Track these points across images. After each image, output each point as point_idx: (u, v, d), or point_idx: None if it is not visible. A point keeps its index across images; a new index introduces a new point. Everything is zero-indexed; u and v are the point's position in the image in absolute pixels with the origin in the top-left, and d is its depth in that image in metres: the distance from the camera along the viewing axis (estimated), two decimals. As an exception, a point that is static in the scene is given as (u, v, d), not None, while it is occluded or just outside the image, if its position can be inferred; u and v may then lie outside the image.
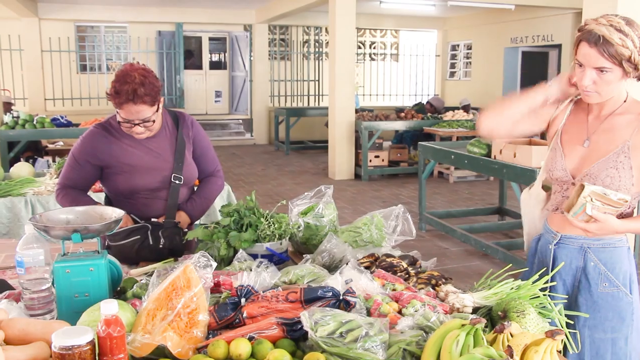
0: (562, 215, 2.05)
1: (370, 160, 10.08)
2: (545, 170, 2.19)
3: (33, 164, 7.00)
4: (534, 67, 14.04)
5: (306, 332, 1.54)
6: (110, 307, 1.27)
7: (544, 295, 1.87)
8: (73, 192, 2.53)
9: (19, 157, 7.84)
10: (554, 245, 2.13)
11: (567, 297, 2.08)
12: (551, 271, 2.10)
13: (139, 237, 2.45)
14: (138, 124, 2.40)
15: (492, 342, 1.53)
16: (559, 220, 2.12)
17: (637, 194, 2.00)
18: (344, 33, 9.97)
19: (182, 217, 2.63)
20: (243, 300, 1.74)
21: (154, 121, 2.44)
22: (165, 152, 2.58)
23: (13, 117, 7.97)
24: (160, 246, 2.46)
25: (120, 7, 13.51)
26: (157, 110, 2.43)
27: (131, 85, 2.31)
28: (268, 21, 14.50)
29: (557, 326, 1.81)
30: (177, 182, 2.57)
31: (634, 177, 1.95)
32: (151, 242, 2.46)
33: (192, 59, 15.64)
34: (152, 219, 2.54)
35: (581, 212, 1.90)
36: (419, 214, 6.83)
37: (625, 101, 1.99)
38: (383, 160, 10.20)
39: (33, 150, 8.25)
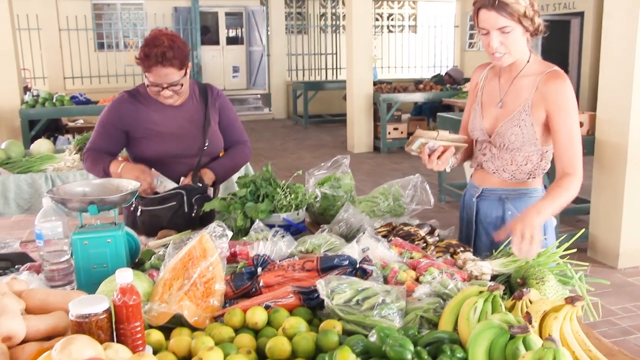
0: (483, 170, 2.27)
1: (389, 133, 10.00)
2: (467, 130, 2.34)
3: (54, 142, 7.08)
4: (555, 37, 13.73)
5: (322, 301, 1.54)
6: (125, 275, 1.27)
7: (563, 262, 1.85)
8: (94, 153, 2.55)
9: (41, 136, 7.91)
10: (476, 198, 2.33)
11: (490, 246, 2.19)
12: (474, 223, 2.33)
13: (175, 203, 2.47)
14: (166, 88, 2.42)
15: (510, 309, 1.51)
16: (481, 175, 2.31)
17: (543, 151, 2.15)
18: (360, 5, 9.82)
19: (207, 174, 2.61)
20: (259, 269, 1.74)
21: (182, 85, 2.46)
22: (192, 119, 2.60)
23: (33, 96, 8.03)
24: (193, 214, 2.48)
25: (136, -17, 13.47)
26: (185, 75, 2.46)
27: (160, 49, 2.35)
28: (285, -6, 14.36)
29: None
30: (204, 148, 2.59)
31: (536, 133, 2.10)
32: (186, 210, 2.48)
33: (209, 35, 15.57)
34: (181, 180, 2.55)
35: (420, 146, 2.10)
36: (438, 185, 6.78)
37: (528, 61, 2.11)
38: (402, 132, 10.11)
39: (54, 129, 8.32)
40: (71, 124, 8.71)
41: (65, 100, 7.78)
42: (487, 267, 1.81)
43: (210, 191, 2.63)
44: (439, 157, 2.10)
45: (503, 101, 2.17)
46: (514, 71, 2.15)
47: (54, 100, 7.79)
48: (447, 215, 6.19)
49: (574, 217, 5.71)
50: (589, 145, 4.93)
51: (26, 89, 8.86)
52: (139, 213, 2.48)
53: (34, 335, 1.41)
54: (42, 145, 4.64)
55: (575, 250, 1.94)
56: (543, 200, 1.99)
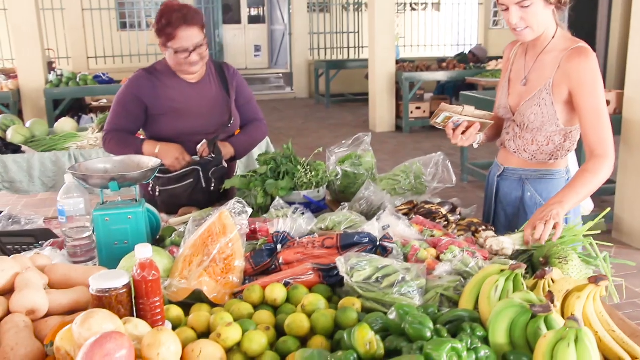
0: (506, 149, 2.23)
1: (412, 112, 9.91)
2: (495, 108, 2.31)
3: (78, 121, 7.15)
4: (583, 11, 13.41)
5: (342, 278, 1.54)
6: (144, 250, 1.28)
7: (587, 240, 1.82)
8: (118, 134, 2.54)
9: (65, 115, 7.99)
10: (498, 177, 2.30)
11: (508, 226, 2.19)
12: (494, 202, 2.31)
13: (192, 180, 2.49)
14: (193, 51, 2.43)
15: (532, 288, 1.49)
16: (504, 154, 2.27)
17: (567, 132, 2.09)
18: (383, -18, 9.69)
19: (226, 148, 2.60)
20: (279, 246, 1.74)
21: (206, 48, 2.49)
22: (210, 97, 2.61)
23: (57, 75, 8.10)
24: (212, 188, 2.49)
25: (157, -38, 13.45)
26: (204, 38, 2.48)
27: (179, 12, 2.40)
28: (306, -28, 14.23)
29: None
30: (229, 124, 2.60)
31: (557, 112, 2.04)
32: (204, 185, 2.49)
33: (231, 14, 15.52)
34: (198, 147, 2.54)
35: (444, 120, 2.08)
36: (461, 165, 6.72)
37: (554, 37, 2.05)
38: (424, 111, 10.00)
39: (77, 108, 8.39)
40: (94, 104, 8.78)
41: (88, 80, 7.84)
42: (508, 242, 1.78)
43: (226, 164, 2.62)
44: (463, 133, 2.07)
45: (527, 78, 2.12)
46: (538, 47, 2.09)
47: (78, 80, 7.85)
48: (469, 195, 6.14)
49: (599, 197, 5.62)
50: (615, 124, 4.81)
51: (51, 69, 8.94)
52: (157, 193, 2.49)
53: (56, 309, 1.43)
54: (65, 124, 4.69)
55: (600, 231, 1.90)
56: (568, 189, 1.91)
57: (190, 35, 2.41)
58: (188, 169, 2.48)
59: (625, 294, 2.76)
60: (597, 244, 1.84)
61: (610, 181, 5.44)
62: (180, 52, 2.43)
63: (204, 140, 2.52)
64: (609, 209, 2.02)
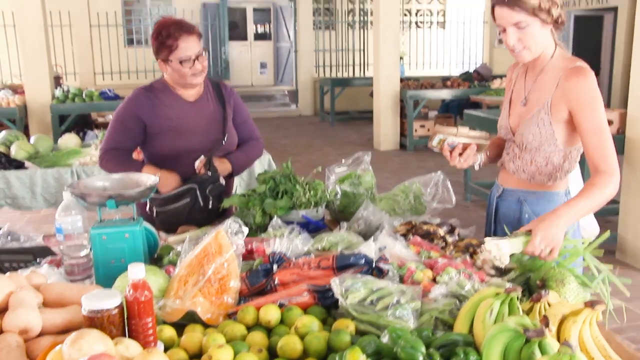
0: (506, 170, 2.23)
1: (416, 130, 9.92)
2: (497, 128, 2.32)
3: (83, 137, 7.18)
4: (587, 33, 13.47)
5: (338, 300, 1.53)
6: (137, 271, 1.28)
7: (587, 259, 1.80)
8: (117, 154, 2.55)
9: (70, 130, 8.04)
10: (497, 198, 2.29)
11: None
12: (493, 223, 2.30)
13: (189, 200, 2.49)
14: (196, 59, 2.47)
15: (528, 312, 1.48)
16: (503, 175, 2.27)
17: (566, 152, 2.08)
18: (388, 0, 9.76)
19: (224, 164, 2.59)
20: (275, 266, 1.73)
21: (206, 59, 2.53)
22: (208, 115, 2.62)
23: (64, 91, 8.16)
24: (210, 206, 2.49)
25: (165, -21, 13.61)
26: (204, 49, 2.54)
27: (176, 24, 2.48)
28: (312, -10, 14.35)
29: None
30: (223, 142, 2.61)
31: (556, 132, 2.04)
32: (202, 204, 2.49)
33: (237, 31, 15.65)
34: (196, 163, 2.55)
35: (439, 142, 2.08)
36: (464, 184, 6.71)
37: (552, 57, 2.05)
38: (428, 129, 10.01)
39: (83, 124, 8.44)
40: (100, 119, 8.83)
41: (94, 96, 7.90)
42: (506, 248, 1.72)
43: (224, 180, 2.62)
44: (460, 154, 2.07)
45: (527, 99, 2.12)
46: (537, 67, 2.09)
47: (84, 96, 7.91)
48: (472, 215, 6.12)
49: (603, 217, 5.59)
50: (619, 144, 4.83)
51: (58, 84, 9.00)
52: (154, 214, 2.50)
53: (50, 328, 1.43)
54: (69, 140, 4.71)
55: (602, 251, 1.89)
56: (573, 202, 1.89)
57: (192, 45, 2.46)
58: (184, 187, 2.48)
59: (629, 316, 2.74)
60: (598, 262, 1.82)
61: (614, 201, 5.41)
62: (184, 61, 2.45)
63: (202, 157, 2.53)
64: (608, 231, 1.99)
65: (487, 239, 1.76)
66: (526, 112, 2.11)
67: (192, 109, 2.59)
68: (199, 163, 2.52)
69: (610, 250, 4.96)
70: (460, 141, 2.05)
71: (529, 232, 1.78)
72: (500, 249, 1.73)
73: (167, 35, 2.44)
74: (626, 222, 4.87)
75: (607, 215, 5.54)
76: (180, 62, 2.45)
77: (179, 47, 2.44)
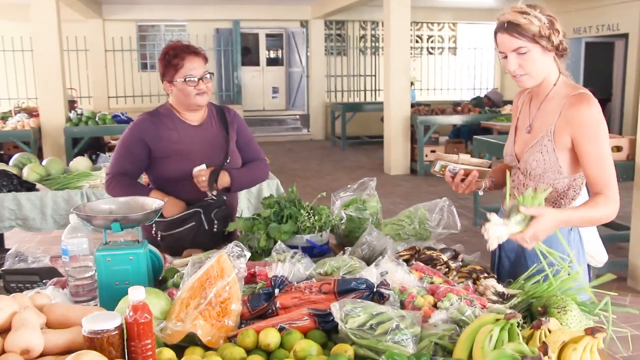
0: (511, 196, 2.16)
1: (427, 155, 9.93)
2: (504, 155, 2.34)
3: (95, 160, 7.26)
4: (599, 59, 13.49)
5: (338, 324, 1.53)
6: (137, 293, 1.29)
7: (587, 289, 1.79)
8: (124, 179, 2.58)
9: (83, 153, 8.14)
10: None
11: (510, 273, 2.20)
12: (498, 248, 2.26)
13: (194, 223, 2.51)
14: (202, 79, 2.53)
15: (529, 339, 1.47)
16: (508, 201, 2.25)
17: (571, 180, 2.08)
18: (398, 27, 9.86)
19: (223, 177, 2.59)
20: (277, 290, 1.74)
21: (211, 82, 2.60)
22: (212, 139, 2.65)
23: (77, 114, 8.28)
24: (215, 229, 2.51)
25: (179, 6, 13.81)
26: (210, 73, 2.60)
27: (183, 46, 2.56)
28: (324, 16, 14.51)
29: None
30: (225, 163, 2.63)
31: (559, 159, 2.04)
32: (206, 227, 2.51)
33: (250, 56, 15.82)
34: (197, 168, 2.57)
35: (441, 168, 2.13)
36: (474, 209, 6.69)
37: (555, 84, 2.06)
38: (446, 153, 10.01)
39: (96, 147, 8.54)
40: (113, 142, 8.93)
41: (107, 119, 8.01)
42: (495, 230, 1.80)
43: (230, 202, 2.64)
44: (462, 181, 2.09)
45: (531, 126, 2.13)
46: (541, 95, 2.10)
47: (97, 119, 8.01)
48: (482, 241, 6.06)
49: (615, 244, 5.55)
50: (629, 170, 4.81)
51: (72, 108, 9.13)
52: (159, 238, 2.52)
53: (51, 349, 1.44)
54: (80, 162, 4.77)
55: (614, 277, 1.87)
56: (575, 211, 1.92)
57: (197, 65, 2.53)
58: (189, 211, 2.50)
59: (634, 345, 2.70)
60: (608, 293, 1.80)
61: (625, 227, 5.38)
62: (189, 80, 2.50)
63: (203, 165, 2.55)
64: (608, 274, 1.96)
65: (493, 217, 1.83)
66: (530, 139, 2.12)
67: (196, 133, 2.62)
68: (197, 171, 2.53)
69: (622, 277, 4.91)
70: (461, 167, 2.06)
71: (526, 217, 1.81)
72: (489, 233, 1.82)
73: (173, 55, 2.52)
74: (637, 249, 4.82)
75: (618, 242, 5.50)
76: (185, 81, 2.50)
77: (185, 66, 2.51)
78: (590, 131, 1.95)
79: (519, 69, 1.98)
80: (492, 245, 1.82)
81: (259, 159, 2.83)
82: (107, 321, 1.27)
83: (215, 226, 2.50)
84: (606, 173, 1.95)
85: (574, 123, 1.97)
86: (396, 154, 10.11)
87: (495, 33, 2.01)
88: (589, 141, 1.96)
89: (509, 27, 1.94)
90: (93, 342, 1.26)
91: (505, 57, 1.99)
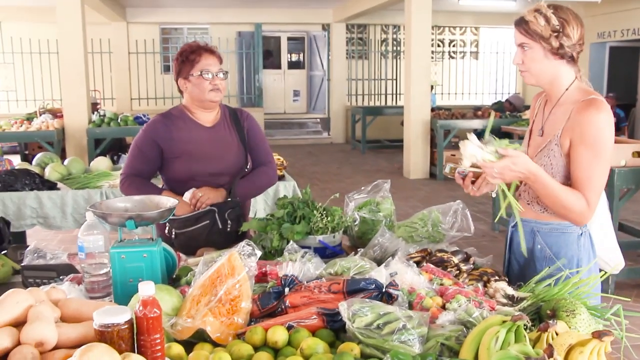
0: (522, 200, 2.20)
1: (446, 160, 9.89)
2: None
3: (117, 160, 7.36)
4: (623, 64, 13.32)
5: (346, 323, 1.54)
6: (147, 288, 1.32)
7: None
8: (137, 180, 2.63)
9: (105, 154, 8.26)
10: (512, 227, 2.31)
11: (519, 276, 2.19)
12: (507, 252, 2.33)
13: (208, 222, 2.55)
14: (217, 74, 2.59)
15: (536, 341, 1.47)
16: (520, 204, 2.20)
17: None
18: (419, 30, 9.85)
19: (217, 192, 2.63)
20: (286, 289, 1.76)
21: (225, 81, 2.65)
22: (224, 140, 2.69)
23: (100, 116, 8.41)
24: (228, 229, 2.54)
25: (201, 9, 13.95)
26: (224, 72, 2.66)
27: (199, 44, 2.64)
28: (346, 20, 14.54)
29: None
30: (240, 168, 2.68)
31: (567, 165, 2.03)
32: (220, 226, 2.55)
33: (271, 59, 15.92)
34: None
35: (451, 170, 2.18)
36: (493, 213, 6.65)
37: (567, 89, 2.06)
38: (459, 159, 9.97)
39: (118, 147, 8.66)
40: (134, 144, 9.04)
41: (129, 121, 8.11)
42: (471, 149, 1.87)
43: (244, 203, 2.69)
44: (473, 183, 2.09)
45: (543, 130, 2.13)
46: (553, 99, 2.10)
47: (119, 120, 8.12)
48: (500, 245, 6.02)
49: (634, 251, 5.48)
50: (648, 176, 4.75)
51: (96, 108, 9.27)
52: (173, 236, 2.56)
53: (65, 342, 1.47)
54: (101, 162, 4.85)
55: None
56: (549, 179, 1.94)
57: (212, 61, 2.61)
58: (204, 210, 2.54)
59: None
60: (622, 299, 1.78)
61: (645, 235, 5.31)
62: (205, 74, 2.56)
63: (192, 190, 2.59)
64: (603, 272, 1.94)
65: (472, 136, 1.93)
66: (541, 143, 2.12)
67: (209, 134, 2.66)
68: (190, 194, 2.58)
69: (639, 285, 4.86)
70: (469, 170, 2.08)
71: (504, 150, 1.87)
72: (464, 149, 1.92)
73: (190, 51, 2.59)
74: (657, 257, 4.76)
75: (638, 249, 5.43)
76: (202, 75, 2.56)
77: (201, 62, 2.58)
78: (589, 135, 1.93)
79: (522, 65, 2.05)
80: (464, 164, 1.92)
81: (267, 162, 2.84)
82: (117, 315, 1.30)
83: (229, 226, 2.54)
84: (593, 180, 1.95)
85: (576, 128, 1.96)
86: (416, 158, 10.09)
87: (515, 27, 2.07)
88: (585, 145, 1.94)
89: (518, 22, 2.02)
90: (103, 335, 1.29)
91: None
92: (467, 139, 1.94)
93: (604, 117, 1.93)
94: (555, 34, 1.95)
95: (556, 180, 2.00)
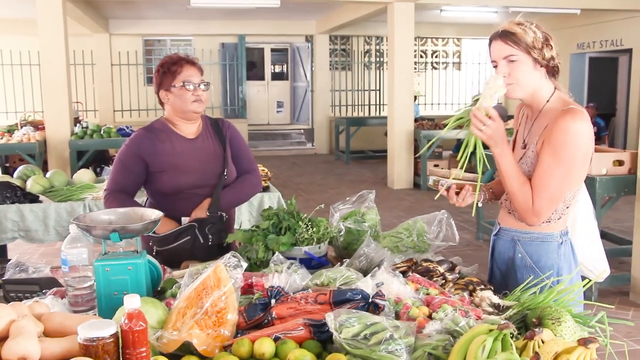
0: (504, 208, 2.23)
1: (430, 170, 9.95)
2: None
3: (100, 172, 7.30)
4: (602, 74, 13.53)
5: (333, 334, 1.54)
6: (132, 301, 1.31)
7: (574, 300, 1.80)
8: (121, 196, 2.61)
9: (88, 166, 8.18)
10: (494, 235, 2.32)
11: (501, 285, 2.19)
12: (490, 260, 2.34)
13: (189, 237, 2.53)
14: (199, 85, 2.60)
15: (522, 349, 1.48)
16: (502, 213, 2.28)
17: None
18: (402, 42, 9.93)
19: (204, 201, 2.64)
20: (273, 301, 1.75)
21: (206, 92, 2.65)
22: (208, 151, 2.69)
23: (82, 127, 8.34)
24: (210, 243, 2.53)
25: (185, 20, 13.94)
26: (206, 83, 2.66)
27: (180, 56, 2.64)
28: (329, 31, 14.61)
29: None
30: (225, 176, 2.67)
31: None
32: (202, 241, 2.54)
33: (255, 70, 15.94)
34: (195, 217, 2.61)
35: (434, 182, 2.22)
36: (477, 223, 6.69)
37: (548, 101, 2.06)
38: (442, 169, 10.03)
39: (100, 159, 8.59)
40: (117, 155, 8.97)
41: (112, 132, 8.05)
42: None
43: (229, 215, 2.69)
44: (457, 194, 2.11)
45: (526, 141, 2.14)
46: (535, 111, 2.11)
47: (102, 132, 8.06)
48: (484, 254, 6.06)
49: (617, 258, 5.54)
50: (630, 184, 4.81)
51: (77, 121, 9.20)
52: (154, 252, 2.54)
53: (48, 357, 1.45)
54: (84, 175, 4.81)
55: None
56: (511, 156, 1.99)
57: (194, 73, 2.61)
58: (183, 226, 2.53)
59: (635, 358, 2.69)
60: (606, 306, 1.79)
61: (627, 242, 5.37)
62: (187, 85, 2.56)
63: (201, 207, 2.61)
64: (587, 280, 1.95)
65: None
66: (521, 153, 2.13)
67: (192, 146, 2.66)
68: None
69: (623, 292, 4.90)
70: (451, 182, 2.10)
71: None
72: (494, 83, 1.96)
73: (171, 63, 2.59)
74: None
75: (621, 256, 5.48)
76: (184, 85, 2.56)
77: (182, 73, 2.58)
78: (556, 141, 1.93)
79: (508, 78, 1.99)
80: (486, 101, 1.94)
81: (250, 170, 2.84)
82: (102, 329, 1.29)
83: (210, 240, 2.53)
84: (546, 185, 1.96)
85: (550, 131, 1.96)
86: (399, 168, 10.13)
87: (490, 42, 2.04)
88: (550, 149, 1.95)
89: (503, 35, 1.99)
90: (88, 349, 1.27)
91: (496, 65, 2.02)
92: (492, 80, 1.95)
93: (578, 126, 1.92)
94: (543, 44, 1.97)
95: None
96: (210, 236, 2.53)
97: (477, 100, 1.97)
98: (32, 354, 1.41)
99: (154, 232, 2.44)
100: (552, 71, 2.04)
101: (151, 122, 2.73)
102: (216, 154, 2.69)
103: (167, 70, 2.59)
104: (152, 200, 2.72)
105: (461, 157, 2.01)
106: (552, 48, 2.00)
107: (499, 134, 1.95)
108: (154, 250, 2.56)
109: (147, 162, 2.60)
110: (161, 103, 2.69)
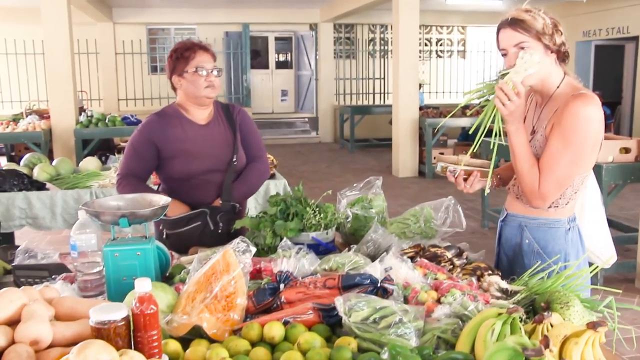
0: (512, 194, 2.23)
1: (435, 158, 9.93)
2: None
3: (105, 161, 7.32)
4: (608, 62, 13.45)
5: (342, 318, 1.55)
6: (143, 284, 1.31)
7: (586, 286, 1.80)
8: (133, 180, 2.62)
9: (93, 154, 8.20)
10: (501, 221, 2.31)
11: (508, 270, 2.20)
12: (497, 245, 2.34)
13: (199, 223, 2.54)
14: (212, 71, 2.60)
15: (531, 333, 1.48)
16: (509, 199, 2.27)
17: None
18: (407, 30, 9.88)
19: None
20: (282, 285, 1.76)
21: (219, 79, 2.65)
22: (219, 137, 2.69)
23: (87, 116, 8.35)
24: (220, 231, 2.54)
25: (189, 9, 13.90)
26: (218, 69, 2.66)
27: (193, 42, 2.65)
28: (333, 20, 14.54)
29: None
30: (234, 162, 2.68)
31: None
32: (212, 228, 2.55)
33: (259, 59, 15.89)
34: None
35: (442, 169, 2.23)
36: (482, 210, 6.69)
37: (559, 87, 2.04)
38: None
39: (105, 148, 8.61)
40: (122, 144, 8.99)
41: (116, 121, 8.06)
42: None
43: (238, 205, 2.69)
44: (465, 180, 2.11)
45: (535, 127, 2.13)
46: (544, 97, 2.10)
47: (106, 121, 8.07)
48: (490, 242, 6.06)
49: (623, 246, 5.53)
50: (636, 172, 4.80)
51: (82, 110, 9.21)
52: (165, 236, 2.55)
53: (60, 340, 1.47)
54: (89, 163, 4.82)
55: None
56: (525, 137, 2.00)
57: (207, 59, 2.61)
58: (196, 211, 2.54)
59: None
60: (613, 290, 1.79)
61: (633, 229, 5.36)
62: (200, 70, 2.56)
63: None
64: (595, 266, 1.95)
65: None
66: (531, 138, 2.12)
67: (203, 132, 2.66)
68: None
69: (629, 279, 4.90)
70: (460, 168, 2.10)
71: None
72: (530, 58, 1.90)
73: (184, 48, 2.60)
74: (645, 251, 4.80)
75: (627, 244, 5.48)
76: (197, 71, 2.56)
77: (196, 58, 2.58)
78: (565, 125, 1.93)
79: None
80: (516, 75, 1.90)
81: (257, 157, 2.84)
82: (114, 312, 1.30)
83: (220, 228, 2.54)
84: (553, 169, 1.95)
85: (560, 115, 1.95)
86: (404, 157, 10.12)
87: (498, 30, 2.01)
88: (559, 132, 1.94)
89: (512, 22, 1.96)
90: (100, 332, 1.28)
91: (505, 54, 2.00)
92: (528, 55, 1.92)
93: (589, 111, 1.91)
94: (553, 30, 1.96)
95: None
96: (220, 224, 2.54)
97: (503, 74, 1.94)
98: (44, 337, 1.42)
99: (165, 215, 2.45)
100: (563, 57, 2.02)
101: (163, 108, 2.73)
102: (227, 140, 2.70)
103: (180, 56, 2.59)
104: (164, 185, 2.73)
105: (477, 129, 2.02)
106: (561, 34, 1.98)
107: (520, 112, 1.95)
108: (164, 234, 2.57)
109: (159, 147, 2.61)
110: (174, 88, 2.69)
